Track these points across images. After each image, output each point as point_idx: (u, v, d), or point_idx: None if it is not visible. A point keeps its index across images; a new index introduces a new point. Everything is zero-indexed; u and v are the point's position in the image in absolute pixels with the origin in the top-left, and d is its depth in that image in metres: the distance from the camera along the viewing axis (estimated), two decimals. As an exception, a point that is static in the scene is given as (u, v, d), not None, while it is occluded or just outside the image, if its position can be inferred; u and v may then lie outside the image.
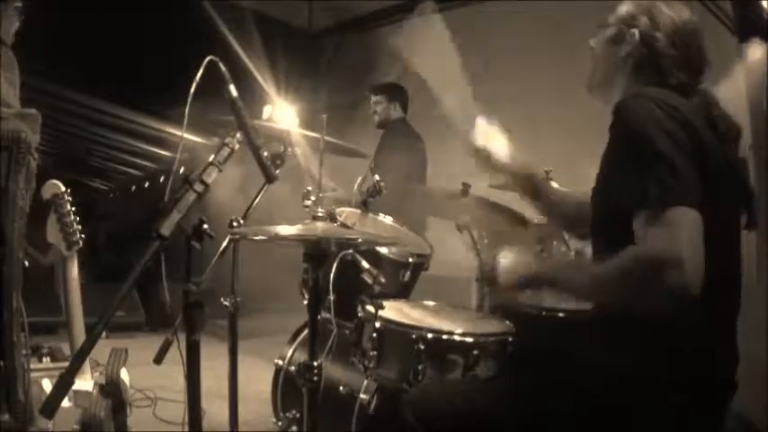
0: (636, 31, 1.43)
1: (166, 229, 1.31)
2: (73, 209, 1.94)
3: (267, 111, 2.60)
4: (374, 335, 1.82)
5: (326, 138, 2.05)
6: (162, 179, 6.89)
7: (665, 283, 1.10)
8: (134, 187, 8.61)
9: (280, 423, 2.30)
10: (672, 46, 1.40)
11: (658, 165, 1.18)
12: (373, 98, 4.00)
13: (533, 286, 1.41)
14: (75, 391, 1.81)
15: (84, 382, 1.85)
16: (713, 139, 1.30)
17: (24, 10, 1.92)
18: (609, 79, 1.51)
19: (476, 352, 1.72)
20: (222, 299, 1.92)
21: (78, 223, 1.95)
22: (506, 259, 1.46)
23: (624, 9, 1.49)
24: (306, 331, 2.13)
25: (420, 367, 1.73)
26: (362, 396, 1.95)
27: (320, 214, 1.57)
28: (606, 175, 1.37)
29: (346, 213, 2.41)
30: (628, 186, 1.23)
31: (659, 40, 1.40)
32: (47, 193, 1.91)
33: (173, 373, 1.54)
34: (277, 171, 1.60)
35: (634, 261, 1.17)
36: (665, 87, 1.36)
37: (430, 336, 1.75)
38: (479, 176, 2.30)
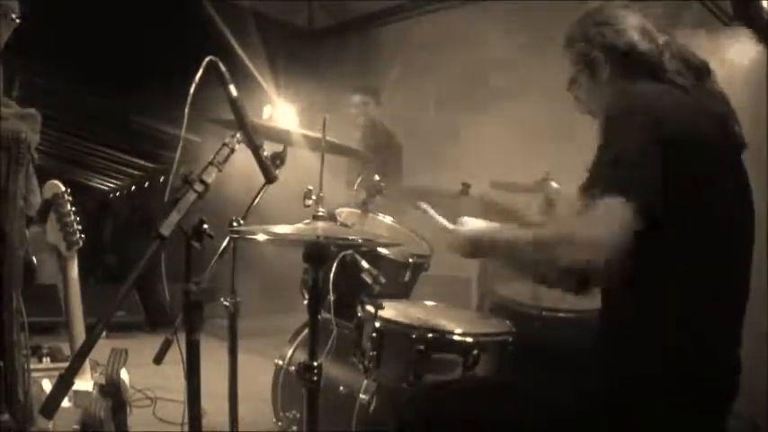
0: (597, 46, 1.45)
1: (166, 228, 1.31)
2: (73, 209, 1.94)
3: (267, 110, 2.60)
4: (374, 335, 1.82)
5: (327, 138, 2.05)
6: (162, 179, 6.89)
7: (572, 264, 1.13)
8: (134, 187, 8.61)
9: (280, 423, 2.30)
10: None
11: (609, 151, 1.21)
12: (361, 98, 4.00)
13: (480, 251, 1.47)
14: (75, 391, 1.81)
15: (84, 382, 1.85)
16: (716, 138, 1.30)
17: (23, 10, 1.90)
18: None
19: (475, 352, 1.72)
20: (222, 299, 1.91)
21: (78, 223, 1.95)
22: (465, 225, 1.54)
23: (574, 41, 1.53)
24: (306, 331, 2.13)
25: (420, 367, 1.73)
26: (362, 396, 1.94)
27: (321, 213, 1.57)
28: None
29: (346, 213, 2.40)
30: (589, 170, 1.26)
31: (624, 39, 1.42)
32: (47, 193, 1.91)
33: (173, 373, 1.54)
34: (277, 171, 1.59)
35: (554, 235, 1.21)
36: (668, 84, 1.36)
37: (430, 336, 1.75)
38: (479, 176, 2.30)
